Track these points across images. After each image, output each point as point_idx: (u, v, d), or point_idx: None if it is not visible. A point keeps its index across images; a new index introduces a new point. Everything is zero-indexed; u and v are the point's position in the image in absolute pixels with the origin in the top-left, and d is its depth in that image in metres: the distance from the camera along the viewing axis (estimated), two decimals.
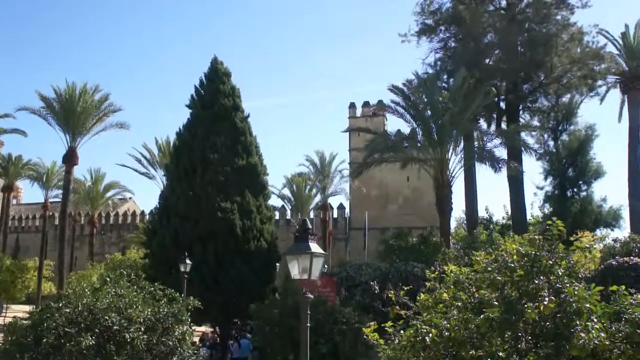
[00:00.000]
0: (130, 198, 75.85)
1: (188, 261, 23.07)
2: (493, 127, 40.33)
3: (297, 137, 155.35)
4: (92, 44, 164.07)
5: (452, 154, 31.32)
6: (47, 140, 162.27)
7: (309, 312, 9.46)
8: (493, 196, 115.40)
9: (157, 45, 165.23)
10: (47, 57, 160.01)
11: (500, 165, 32.22)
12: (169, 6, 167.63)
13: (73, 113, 40.36)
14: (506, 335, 7.46)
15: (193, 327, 14.30)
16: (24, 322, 12.49)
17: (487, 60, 40.08)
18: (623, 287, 7.97)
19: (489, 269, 8.15)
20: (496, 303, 7.59)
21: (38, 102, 41.16)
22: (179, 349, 12.44)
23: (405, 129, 33.66)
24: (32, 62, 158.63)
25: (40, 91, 40.82)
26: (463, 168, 32.57)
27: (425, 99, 32.06)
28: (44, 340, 11.26)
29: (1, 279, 44.16)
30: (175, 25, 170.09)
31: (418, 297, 9.11)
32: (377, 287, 13.40)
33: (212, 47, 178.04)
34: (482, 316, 7.53)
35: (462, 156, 32.03)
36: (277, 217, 51.59)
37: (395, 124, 52.89)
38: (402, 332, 8.51)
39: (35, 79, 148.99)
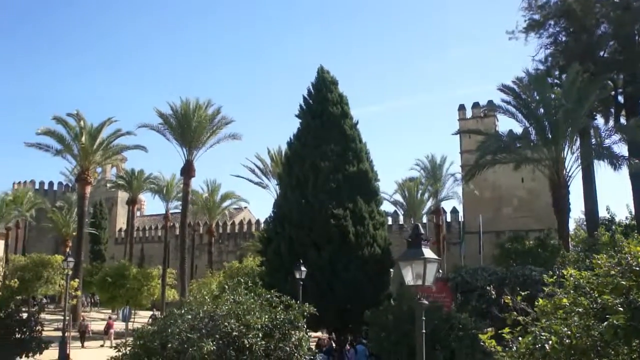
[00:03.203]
0: (245, 207, 77.96)
1: (303, 268, 23.48)
2: (611, 123, 38.44)
3: (407, 142, 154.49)
4: (201, 60, 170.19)
5: (567, 152, 30.24)
6: (165, 155, 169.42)
7: (424, 318, 9.40)
8: (615, 195, 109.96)
9: (265, 55, 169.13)
10: (162, 76, 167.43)
11: (620, 162, 30.71)
12: (275, 16, 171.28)
13: (189, 127, 42.18)
14: (634, 344, 7.13)
15: (309, 333, 14.51)
16: (150, 327, 13.12)
17: (601, 53, 38.30)
18: None
19: (612, 272, 7.81)
20: (621, 309, 7.27)
21: (156, 118, 43.26)
22: (296, 354, 12.66)
23: (518, 129, 32.79)
24: (148, 81, 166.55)
25: (158, 108, 42.92)
26: (580, 167, 31.30)
27: (537, 97, 31.10)
28: (169, 345, 11.78)
29: (129, 287, 46.54)
30: (281, 36, 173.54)
31: (536, 303, 8.86)
32: (493, 292, 13.06)
33: (318, 56, 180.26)
34: (605, 323, 7.22)
35: (579, 154, 30.81)
36: (389, 222, 51.45)
37: (506, 124, 51.78)
38: (520, 339, 8.30)
39: (151, 97, 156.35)
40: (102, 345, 37.44)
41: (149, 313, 47.46)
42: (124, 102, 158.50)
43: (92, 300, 65.39)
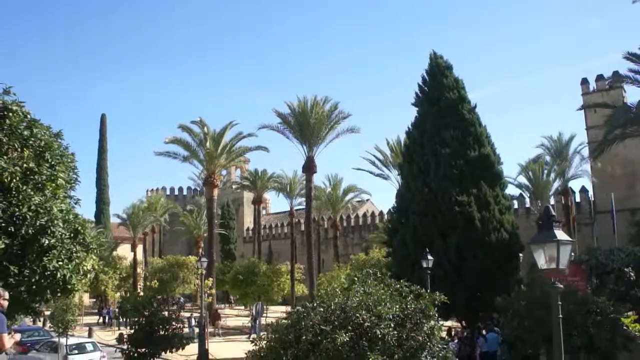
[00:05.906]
0: (368, 199, 78.34)
1: (430, 257, 23.40)
2: None
3: (528, 122, 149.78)
4: (313, 55, 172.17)
5: None
6: (285, 153, 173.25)
7: (559, 302, 9.18)
8: None
9: (377, 44, 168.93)
10: (276, 74, 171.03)
11: None
12: (384, 3, 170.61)
13: (307, 125, 42.85)
14: None
15: (440, 322, 14.43)
16: (284, 321, 13.53)
17: None
18: None
19: None
20: None
21: (275, 119, 44.36)
22: (428, 343, 12.63)
23: None
24: (263, 82, 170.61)
25: (276, 109, 43.98)
26: None
27: None
28: (303, 337, 12.07)
29: (260, 283, 48.09)
30: (392, 22, 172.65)
31: None
32: (632, 274, 12.43)
33: (432, 41, 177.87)
34: None
35: None
36: (515, 206, 50.07)
37: (635, 95, 48.99)
38: None
39: (268, 97, 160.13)
40: (213, 336, 40.02)
41: (280, 308, 48.80)
42: (241, 104, 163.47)
43: (235, 298, 68.09)
